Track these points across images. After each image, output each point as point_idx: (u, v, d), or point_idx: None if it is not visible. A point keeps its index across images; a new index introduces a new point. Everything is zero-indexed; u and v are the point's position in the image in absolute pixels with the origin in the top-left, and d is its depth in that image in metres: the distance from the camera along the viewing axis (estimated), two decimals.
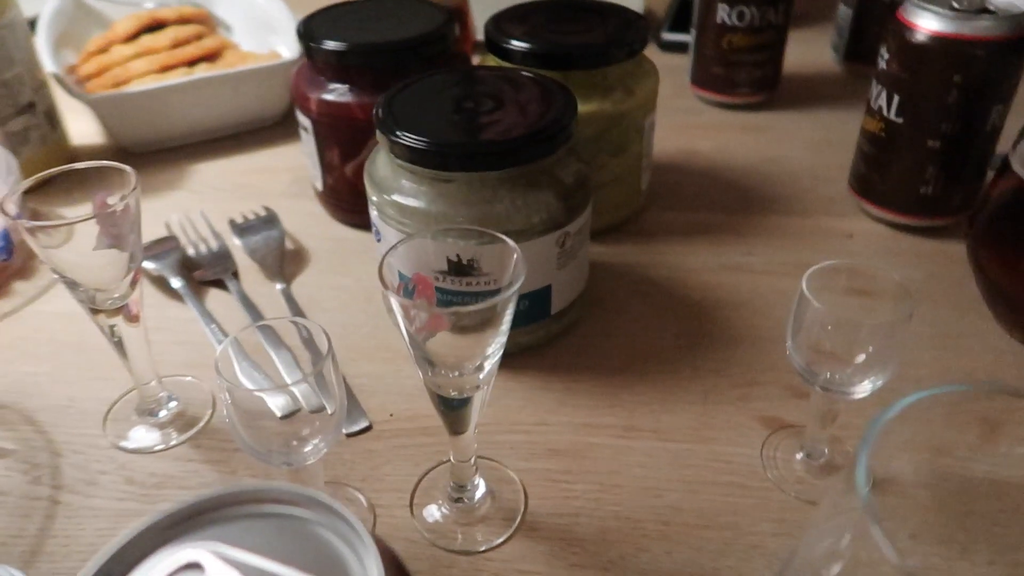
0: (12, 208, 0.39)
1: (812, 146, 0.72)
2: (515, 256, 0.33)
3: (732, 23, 0.73)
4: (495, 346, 0.34)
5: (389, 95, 0.47)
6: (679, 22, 0.93)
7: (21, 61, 0.65)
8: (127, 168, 0.40)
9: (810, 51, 0.88)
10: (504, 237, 0.34)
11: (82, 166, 0.41)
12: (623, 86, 0.55)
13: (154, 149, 0.73)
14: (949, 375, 0.47)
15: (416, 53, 0.55)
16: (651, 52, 0.90)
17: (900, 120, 0.56)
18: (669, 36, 0.91)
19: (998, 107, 0.54)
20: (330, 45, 0.55)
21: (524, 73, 0.49)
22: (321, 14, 0.59)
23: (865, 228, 0.60)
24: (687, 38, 0.81)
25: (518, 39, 0.54)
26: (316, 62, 0.57)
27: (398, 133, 0.43)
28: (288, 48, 0.80)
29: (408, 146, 0.43)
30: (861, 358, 0.37)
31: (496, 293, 0.32)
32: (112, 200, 0.40)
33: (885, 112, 0.56)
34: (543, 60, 0.54)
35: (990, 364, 0.48)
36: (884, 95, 0.56)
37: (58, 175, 0.40)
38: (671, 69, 0.84)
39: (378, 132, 0.45)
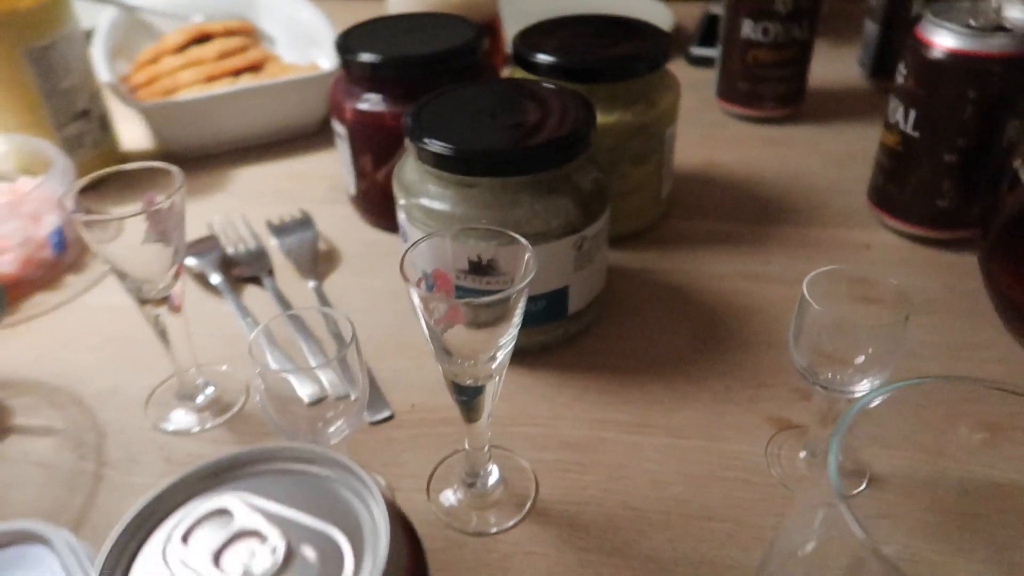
0: (70, 204, 0.42)
1: (834, 159, 0.73)
2: (527, 254, 0.36)
3: (757, 39, 0.75)
4: (508, 338, 0.36)
5: (418, 105, 0.49)
6: (708, 37, 0.95)
7: (78, 70, 0.69)
8: (173, 168, 0.43)
9: (838, 65, 0.90)
10: (518, 236, 0.36)
11: (132, 167, 0.44)
12: (645, 98, 0.57)
13: (199, 155, 0.77)
14: None
15: (446, 66, 0.58)
16: (680, 66, 0.92)
17: (917, 134, 0.57)
18: (698, 51, 0.93)
19: (1014, 122, 0.55)
20: (365, 57, 0.58)
21: (546, 85, 0.52)
22: (358, 28, 0.63)
23: (883, 240, 0.61)
24: (715, 53, 0.82)
25: (544, 53, 0.57)
26: (352, 73, 0.60)
27: (425, 140, 0.46)
28: (327, 59, 0.84)
29: (434, 152, 0.45)
30: (860, 359, 0.39)
31: None
32: (159, 198, 0.43)
33: (902, 126, 0.58)
34: (567, 73, 0.56)
35: (1000, 374, 0.49)
36: (901, 110, 0.57)
37: (110, 176, 0.44)
38: (699, 83, 0.86)
39: (407, 139, 0.48)
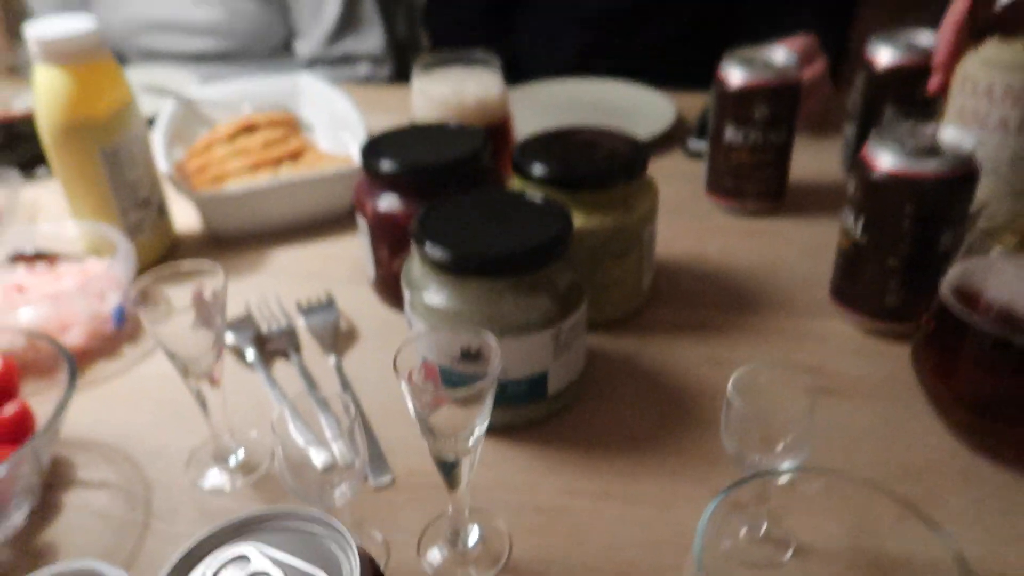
0: (134, 297, 0.52)
1: (809, 252, 0.80)
2: (495, 352, 0.44)
3: (738, 142, 0.83)
4: (481, 418, 0.44)
5: (424, 213, 0.58)
6: (705, 131, 1.03)
7: (142, 164, 0.80)
8: (219, 268, 0.53)
9: (822, 161, 0.97)
10: (489, 336, 0.45)
11: (186, 266, 0.53)
12: (624, 203, 0.66)
13: (242, 236, 0.87)
14: (887, 466, 0.55)
15: (453, 172, 0.68)
16: (678, 158, 1.01)
17: (865, 240, 0.64)
18: (695, 144, 1.01)
19: (948, 233, 0.62)
20: (384, 165, 0.67)
21: (531, 196, 0.60)
22: (381, 137, 0.73)
23: (840, 331, 0.68)
24: None
25: (538, 163, 0.66)
26: (373, 177, 0.69)
27: (427, 245, 0.55)
28: (358, 143, 0.94)
29: (434, 256, 0.54)
30: (781, 446, 0.46)
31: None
32: (207, 294, 0.52)
33: (853, 232, 0.65)
34: (556, 182, 0.65)
35: (925, 457, 0.56)
36: (852, 217, 0.65)
37: (166, 259, 0.53)
38: (694, 175, 0.94)
39: (413, 243, 0.57)
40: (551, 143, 0.70)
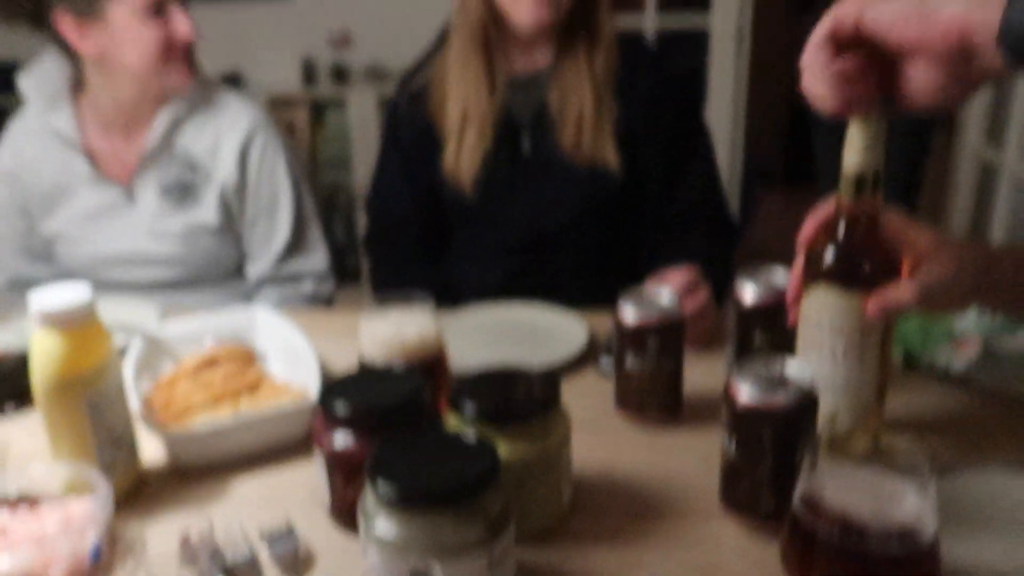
0: (124, 542, 0.61)
1: (703, 460, 0.93)
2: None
3: (636, 369, 0.99)
4: None
5: (375, 456, 0.70)
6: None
7: (118, 405, 0.91)
8: (205, 522, 0.63)
9: (713, 375, 1.12)
10: (434, 564, 0.56)
11: (173, 510, 0.63)
12: (542, 433, 0.80)
13: (206, 467, 0.96)
14: None
15: (399, 413, 0.81)
16: (591, 377, 1.16)
17: (738, 456, 0.79)
18: (605, 364, 1.17)
19: (802, 447, 0.77)
20: (339, 409, 0.80)
21: (465, 437, 0.74)
22: (336, 384, 0.86)
23: (729, 532, 0.81)
24: None
25: (469, 402, 0.79)
26: (328, 417, 0.82)
27: (379, 483, 0.67)
28: (310, 373, 1.05)
29: (384, 493, 0.66)
30: None
31: None
32: (193, 537, 0.62)
33: (728, 448, 0.80)
34: (483, 417, 0.78)
35: None
36: (727, 437, 0.80)
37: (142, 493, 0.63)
38: (605, 392, 1.09)
39: (367, 482, 0.68)
40: (479, 383, 0.84)
